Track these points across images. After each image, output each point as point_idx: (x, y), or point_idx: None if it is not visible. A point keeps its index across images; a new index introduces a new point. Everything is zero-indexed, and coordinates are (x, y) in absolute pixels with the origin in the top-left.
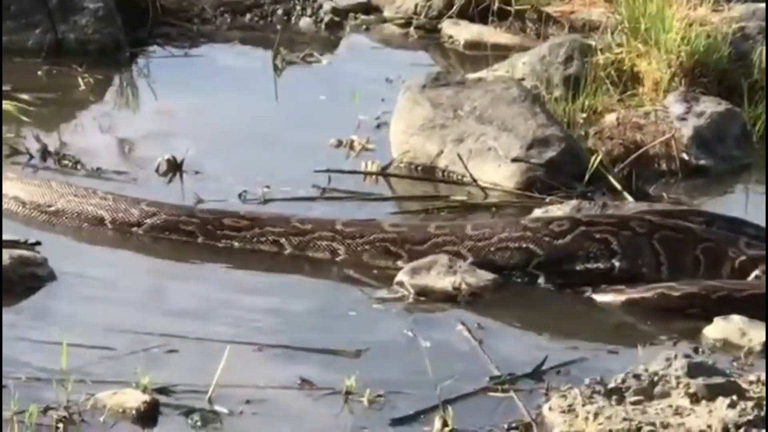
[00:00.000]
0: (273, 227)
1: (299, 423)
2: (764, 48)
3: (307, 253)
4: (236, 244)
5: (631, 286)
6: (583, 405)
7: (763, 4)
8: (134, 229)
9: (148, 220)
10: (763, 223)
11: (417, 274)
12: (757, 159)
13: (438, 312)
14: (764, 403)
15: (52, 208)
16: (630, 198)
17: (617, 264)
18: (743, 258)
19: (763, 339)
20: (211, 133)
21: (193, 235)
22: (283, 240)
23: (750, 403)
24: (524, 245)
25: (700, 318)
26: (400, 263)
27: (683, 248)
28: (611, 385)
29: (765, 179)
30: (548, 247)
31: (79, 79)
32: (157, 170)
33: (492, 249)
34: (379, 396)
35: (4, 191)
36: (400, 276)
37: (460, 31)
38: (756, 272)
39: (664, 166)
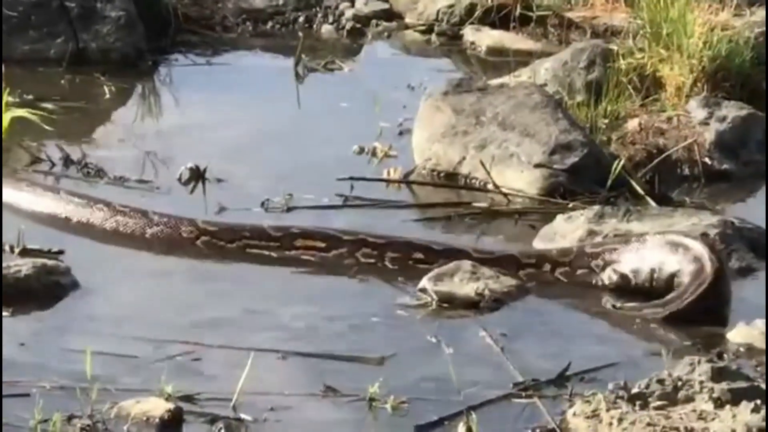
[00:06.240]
0: None
1: (323, 430)
2: None
3: None
4: None
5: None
6: (607, 410)
7: None
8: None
9: None
10: None
11: (440, 281)
12: None
13: (461, 318)
14: None
15: None
16: (653, 203)
17: None
18: None
19: None
20: (233, 141)
21: None
22: None
23: None
24: None
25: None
26: None
27: None
28: (635, 390)
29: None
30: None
31: (103, 88)
32: (179, 179)
33: None
34: (403, 403)
35: None
36: (424, 282)
37: (481, 38)
38: None
39: (686, 171)
